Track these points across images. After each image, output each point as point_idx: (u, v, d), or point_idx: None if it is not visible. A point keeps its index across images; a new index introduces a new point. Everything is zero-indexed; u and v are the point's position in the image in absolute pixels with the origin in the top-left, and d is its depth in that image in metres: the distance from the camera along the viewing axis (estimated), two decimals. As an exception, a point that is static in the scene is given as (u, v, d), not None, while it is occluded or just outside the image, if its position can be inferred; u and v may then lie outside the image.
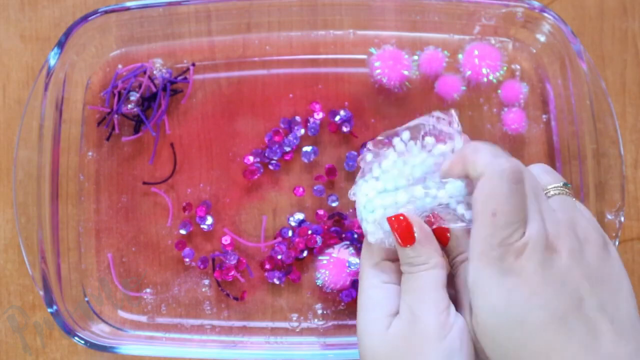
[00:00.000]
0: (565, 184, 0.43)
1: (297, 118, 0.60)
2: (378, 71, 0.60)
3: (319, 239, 0.59)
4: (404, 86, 0.61)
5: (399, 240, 0.43)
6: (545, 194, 0.43)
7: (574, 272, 0.39)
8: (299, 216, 0.60)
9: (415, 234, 0.43)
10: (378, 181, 0.46)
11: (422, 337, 0.41)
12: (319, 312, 0.59)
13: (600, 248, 0.41)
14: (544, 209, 0.41)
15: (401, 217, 0.43)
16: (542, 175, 0.44)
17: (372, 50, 0.60)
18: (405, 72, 0.60)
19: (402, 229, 0.43)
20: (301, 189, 0.60)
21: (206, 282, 0.59)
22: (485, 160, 0.41)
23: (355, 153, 0.60)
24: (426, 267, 0.43)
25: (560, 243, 0.40)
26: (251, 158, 0.60)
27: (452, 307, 0.42)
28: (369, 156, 0.46)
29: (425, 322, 0.41)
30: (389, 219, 0.44)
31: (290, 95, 0.61)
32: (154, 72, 0.60)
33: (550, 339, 0.38)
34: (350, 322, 0.59)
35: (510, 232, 0.39)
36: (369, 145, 0.46)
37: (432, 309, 0.42)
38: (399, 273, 0.45)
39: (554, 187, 0.43)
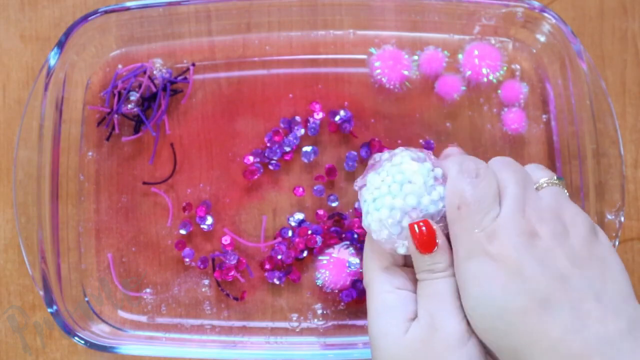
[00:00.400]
0: (558, 178, 0.44)
1: (297, 118, 0.60)
2: (378, 71, 0.60)
3: (319, 239, 0.59)
4: (404, 86, 0.61)
5: (419, 247, 0.43)
6: (537, 187, 0.43)
7: (555, 254, 0.39)
8: (299, 216, 0.60)
9: (438, 240, 0.43)
10: (388, 176, 0.45)
11: (444, 344, 0.41)
12: (319, 312, 0.59)
13: (587, 231, 0.41)
14: (528, 197, 0.41)
15: (422, 224, 0.43)
16: (536, 171, 0.45)
17: (372, 50, 0.60)
18: (405, 72, 0.60)
19: (424, 236, 0.43)
20: (301, 189, 0.60)
21: (206, 282, 0.59)
22: (449, 163, 0.44)
23: (355, 153, 0.60)
24: (445, 274, 0.43)
25: (542, 228, 0.40)
26: (251, 158, 0.60)
27: (466, 319, 0.43)
28: (385, 155, 0.47)
29: (447, 329, 0.41)
30: (411, 226, 0.43)
31: (290, 95, 0.61)
32: (154, 72, 0.60)
33: (534, 323, 0.38)
34: (350, 322, 0.59)
35: (478, 219, 0.40)
36: (378, 156, 0.47)
37: (454, 316, 0.42)
38: (410, 279, 0.45)
39: (546, 181, 0.44)
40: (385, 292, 0.45)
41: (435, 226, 0.43)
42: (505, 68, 0.60)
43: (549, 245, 0.40)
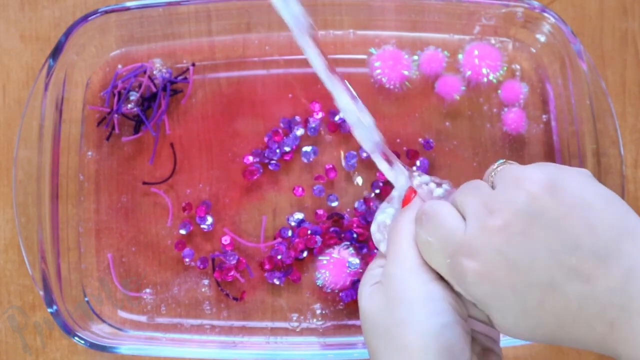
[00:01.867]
0: (503, 161, 0.42)
1: (297, 118, 0.60)
2: (378, 71, 0.60)
3: (318, 239, 0.59)
4: (404, 86, 0.61)
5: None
6: (491, 183, 0.41)
7: (533, 232, 0.37)
8: (299, 216, 0.60)
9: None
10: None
11: (402, 283, 0.41)
12: (319, 312, 0.59)
13: (545, 189, 0.38)
14: (481, 196, 0.40)
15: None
16: (488, 171, 0.43)
17: (372, 50, 0.60)
18: (405, 72, 0.60)
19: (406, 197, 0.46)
20: (301, 189, 0.60)
21: (206, 282, 0.59)
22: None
23: (355, 153, 0.60)
24: (407, 213, 0.44)
25: (506, 214, 0.38)
26: (251, 158, 0.60)
27: (432, 272, 0.42)
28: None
29: (402, 272, 0.42)
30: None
31: (290, 95, 0.61)
32: (154, 72, 0.60)
33: (554, 308, 0.37)
34: (349, 322, 0.59)
35: (448, 246, 0.40)
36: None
37: (408, 260, 0.42)
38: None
39: (492, 170, 0.42)
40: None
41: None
42: (505, 68, 0.60)
43: (521, 226, 0.38)
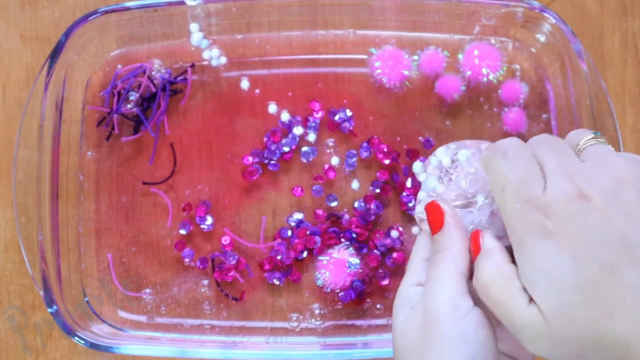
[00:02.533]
0: (595, 134, 0.42)
1: (297, 118, 0.60)
2: (378, 71, 0.60)
3: (317, 239, 0.59)
4: (404, 86, 0.61)
5: (430, 228, 0.44)
6: (578, 151, 0.42)
7: (612, 215, 0.38)
8: (298, 216, 0.60)
9: (445, 220, 0.44)
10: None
11: (435, 320, 0.41)
12: (319, 312, 0.59)
13: (634, 183, 0.39)
14: (568, 164, 0.40)
15: (431, 205, 0.45)
16: (574, 136, 0.43)
17: (372, 50, 0.60)
18: (406, 72, 0.60)
19: (432, 216, 0.45)
20: (300, 189, 0.60)
21: (205, 282, 0.59)
22: (484, 155, 0.44)
23: (355, 152, 0.60)
24: (446, 253, 0.43)
25: (591, 190, 0.38)
26: (250, 158, 0.60)
27: (469, 299, 0.42)
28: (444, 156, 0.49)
29: (437, 305, 0.41)
30: (427, 206, 0.45)
31: (290, 94, 0.61)
32: (153, 72, 0.60)
33: (606, 293, 0.37)
34: (349, 322, 0.59)
35: (524, 194, 0.39)
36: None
37: (445, 291, 0.41)
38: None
39: (585, 141, 0.42)
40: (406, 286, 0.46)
41: (444, 207, 0.45)
42: (505, 68, 0.60)
43: (603, 206, 0.38)
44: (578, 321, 0.37)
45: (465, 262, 0.43)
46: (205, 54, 0.60)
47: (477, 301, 0.42)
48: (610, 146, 0.42)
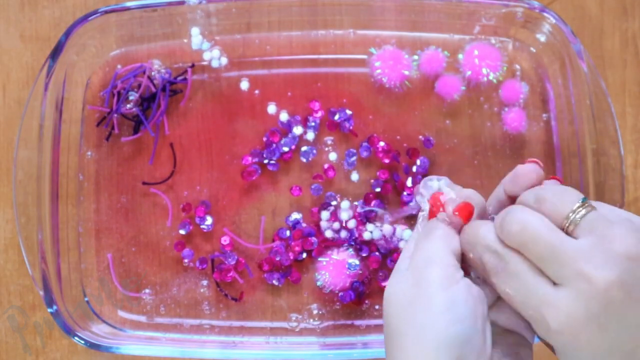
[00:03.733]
0: (583, 200, 0.38)
1: (297, 117, 0.60)
2: (378, 71, 0.60)
3: (314, 240, 0.59)
4: (404, 86, 0.61)
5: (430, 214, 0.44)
6: (569, 223, 0.38)
7: (627, 298, 0.36)
8: (296, 216, 0.60)
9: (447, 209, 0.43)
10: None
11: (427, 282, 0.40)
12: (319, 312, 0.59)
13: (634, 249, 0.36)
14: (565, 252, 0.37)
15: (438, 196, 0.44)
16: (559, 200, 0.39)
17: (372, 50, 0.60)
18: (406, 72, 0.60)
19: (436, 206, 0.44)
20: (298, 189, 0.60)
21: (205, 282, 0.59)
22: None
23: (355, 151, 0.60)
24: (441, 225, 0.43)
25: (605, 278, 0.36)
26: (250, 158, 0.60)
27: (460, 270, 0.41)
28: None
29: (429, 270, 0.40)
30: (432, 197, 0.44)
31: (289, 94, 0.61)
32: (152, 73, 0.60)
33: None
34: (348, 322, 0.59)
35: (536, 304, 0.38)
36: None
37: (439, 261, 0.40)
38: None
39: (574, 212, 0.38)
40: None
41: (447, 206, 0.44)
42: (505, 68, 0.60)
43: (622, 295, 0.36)
44: None
45: (456, 240, 0.42)
46: (206, 55, 0.60)
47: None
48: (599, 212, 0.38)
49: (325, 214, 0.59)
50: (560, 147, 0.60)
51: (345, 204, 0.59)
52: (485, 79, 0.60)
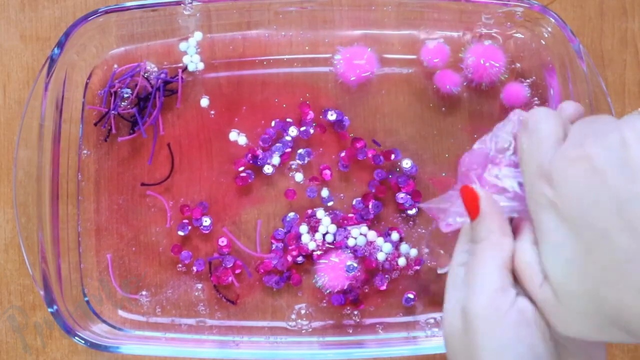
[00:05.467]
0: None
1: (290, 120, 0.60)
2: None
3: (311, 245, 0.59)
4: (404, 85, 0.61)
5: (467, 211, 0.41)
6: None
7: (609, 173, 0.35)
8: (292, 216, 0.59)
9: (481, 207, 0.41)
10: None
11: (474, 326, 0.38)
12: (318, 312, 0.59)
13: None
14: (585, 132, 0.37)
15: (467, 188, 0.42)
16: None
17: (370, 50, 0.60)
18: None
19: (468, 200, 0.42)
20: (292, 192, 0.60)
21: (202, 285, 0.59)
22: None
23: (352, 150, 0.60)
24: (485, 243, 0.40)
25: (594, 149, 0.36)
26: (242, 167, 0.59)
27: (511, 290, 0.39)
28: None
29: (475, 309, 0.38)
30: (461, 189, 0.42)
31: (287, 93, 0.61)
32: (145, 74, 0.59)
33: (602, 261, 0.35)
34: (348, 322, 0.59)
35: (534, 163, 0.38)
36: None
37: (484, 292, 0.39)
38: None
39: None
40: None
41: (480, 192, 0.42)
42: (505, 68, 0.60)
43: (602, 165, 0.35)
44: (582, 295, 0.36)
45: (506, 251, 0.40)
46: (185, 59, 0.60)
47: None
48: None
49: (304, 228, 0.59)
50: (560, 147, 0.60)
51: (321, 213, 0.59)
52: (486, 79, 0.60)
